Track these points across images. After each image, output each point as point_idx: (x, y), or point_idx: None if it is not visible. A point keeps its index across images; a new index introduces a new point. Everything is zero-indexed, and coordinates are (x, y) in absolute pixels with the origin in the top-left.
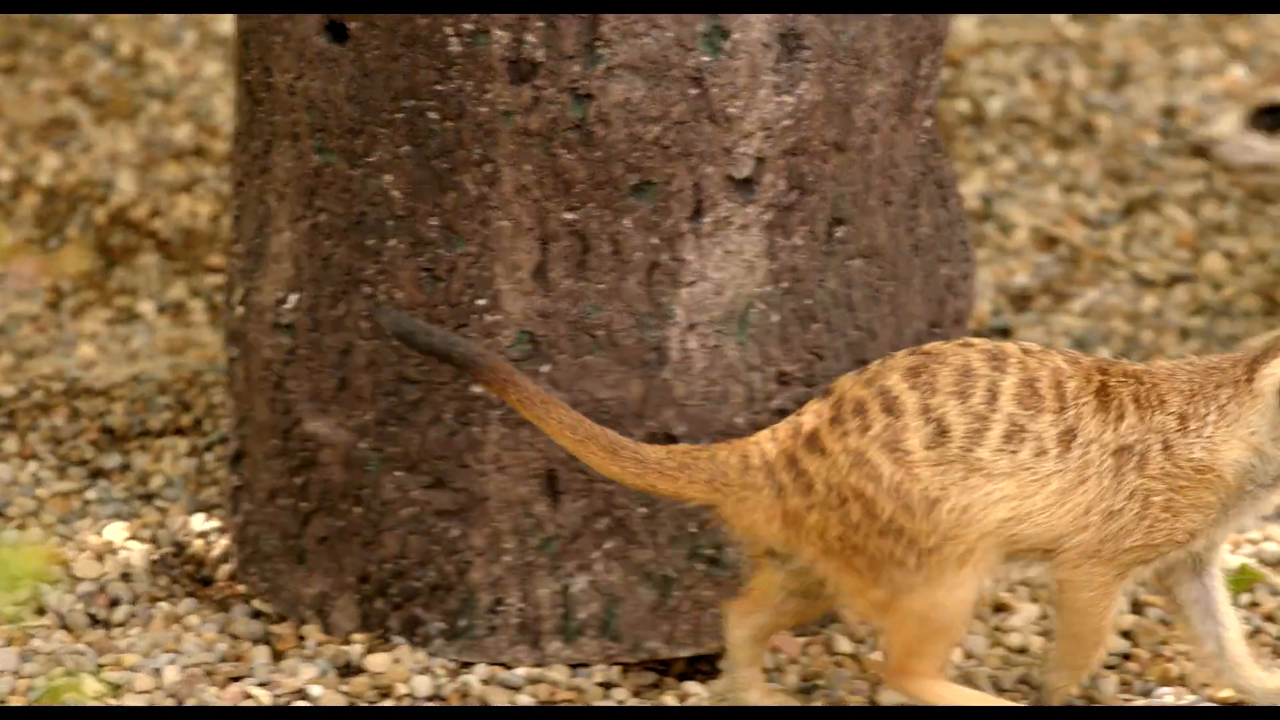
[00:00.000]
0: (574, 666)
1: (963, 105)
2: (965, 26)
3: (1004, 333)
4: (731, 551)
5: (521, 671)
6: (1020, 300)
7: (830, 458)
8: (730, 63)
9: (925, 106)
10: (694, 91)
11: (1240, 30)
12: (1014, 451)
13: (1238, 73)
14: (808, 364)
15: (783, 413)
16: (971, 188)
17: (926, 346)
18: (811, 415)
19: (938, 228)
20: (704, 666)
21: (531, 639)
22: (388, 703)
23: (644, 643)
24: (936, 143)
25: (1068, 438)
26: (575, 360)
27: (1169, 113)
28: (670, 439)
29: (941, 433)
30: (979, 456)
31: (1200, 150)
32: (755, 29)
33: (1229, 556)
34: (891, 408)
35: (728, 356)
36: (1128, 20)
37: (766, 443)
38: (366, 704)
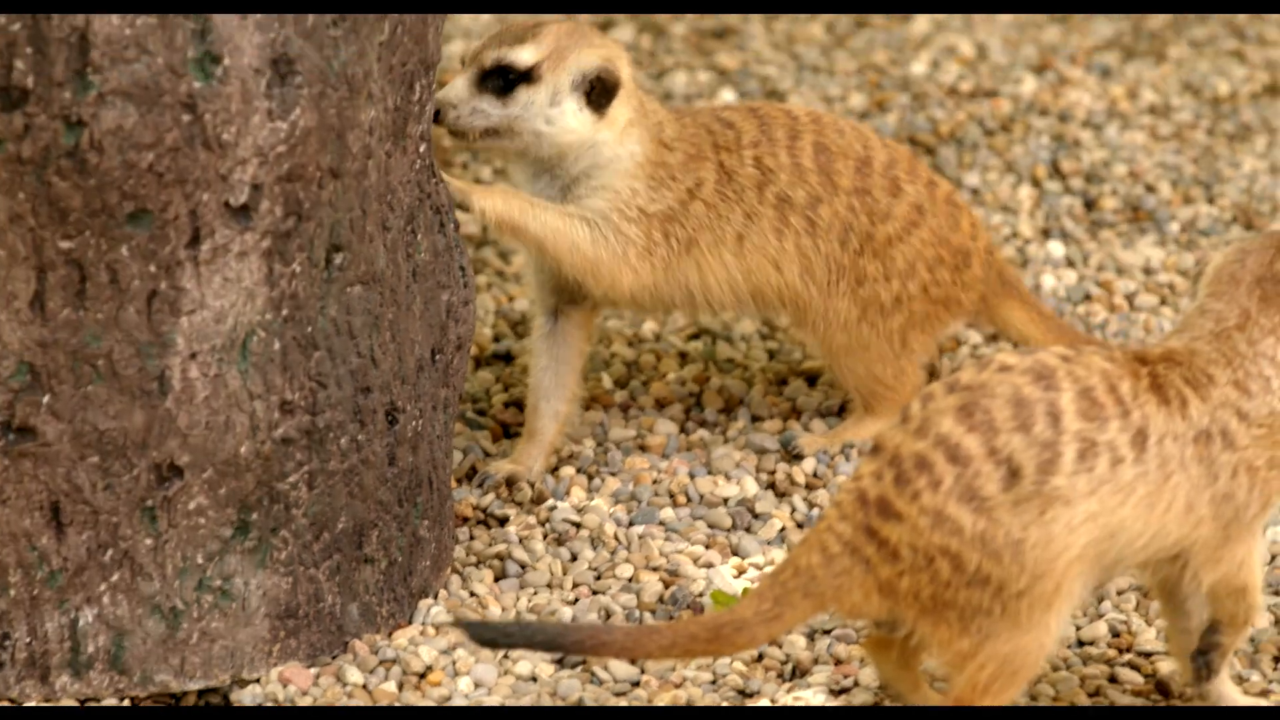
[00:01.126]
0: (83, 702)
1: None
2: (456, 49)
3: (506, 358)
4: (239, 581)
5: (32, 705)
6: (522, 325)
7: (908, 521)
8: (223, 89)
9: (419, 132)
10: (187, 118)
11: (728, 55)
12: (1090, 469)
13: (727, 96)
14: (310, 392)
15: (286, 441)
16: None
17: (963, 379)
18: (871, 479)
19: (436, 253)
20: (214, 699)
21: (40, 673)
22: None
23: (154, 676)
24: (432, 168)
25: (1140, 440)
26: (76, 391)
27: None
28: (175, 469)
29: (1014, 473)
30: (1056, 485)
31: (436, 115)
32: (246, 54)
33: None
34: (957, 456)
35: (230, 385)
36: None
37: (838, 523)
38: None
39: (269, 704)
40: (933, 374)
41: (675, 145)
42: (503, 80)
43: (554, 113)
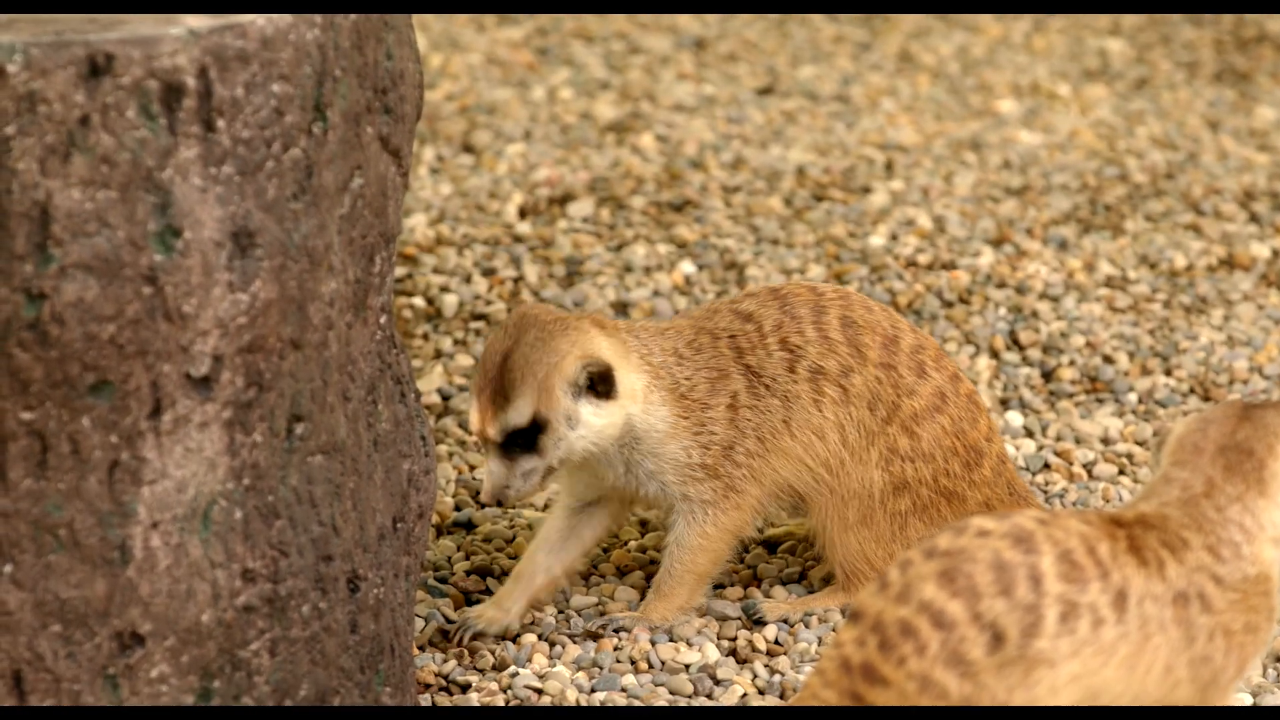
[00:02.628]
0: None
1: (418, 302)
2: (417, 223)
3: (468, 526)
4: None
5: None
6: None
7: (895, 687)
8: (183, 261)
9: (380, 303)
10: (148, 290)
11: (686, 228)
12: (1073, 631)
13: (687, 268)
14: (272, 560)
15: (248, 609)
16: (430, 384)
17: (941, 544)
18: (853, 645)
19: (397, 423)
20: None
21: None
22: None
23: None
24: (393, 339)
25: (1121, 601)
26: (38, 560)
27: (621, 308)
28: (136, 637)
29: (998, 637)
30: (1039, 648)
31: (499, 503)
32: (207, 228)
33: None
34: (941, 622)
35: (192, 554)
36: (577, 219)
37: (822, 690)
38: None
39: None
40: None
41: (696, 379)
42: (522, 439)
43: (581, 432)
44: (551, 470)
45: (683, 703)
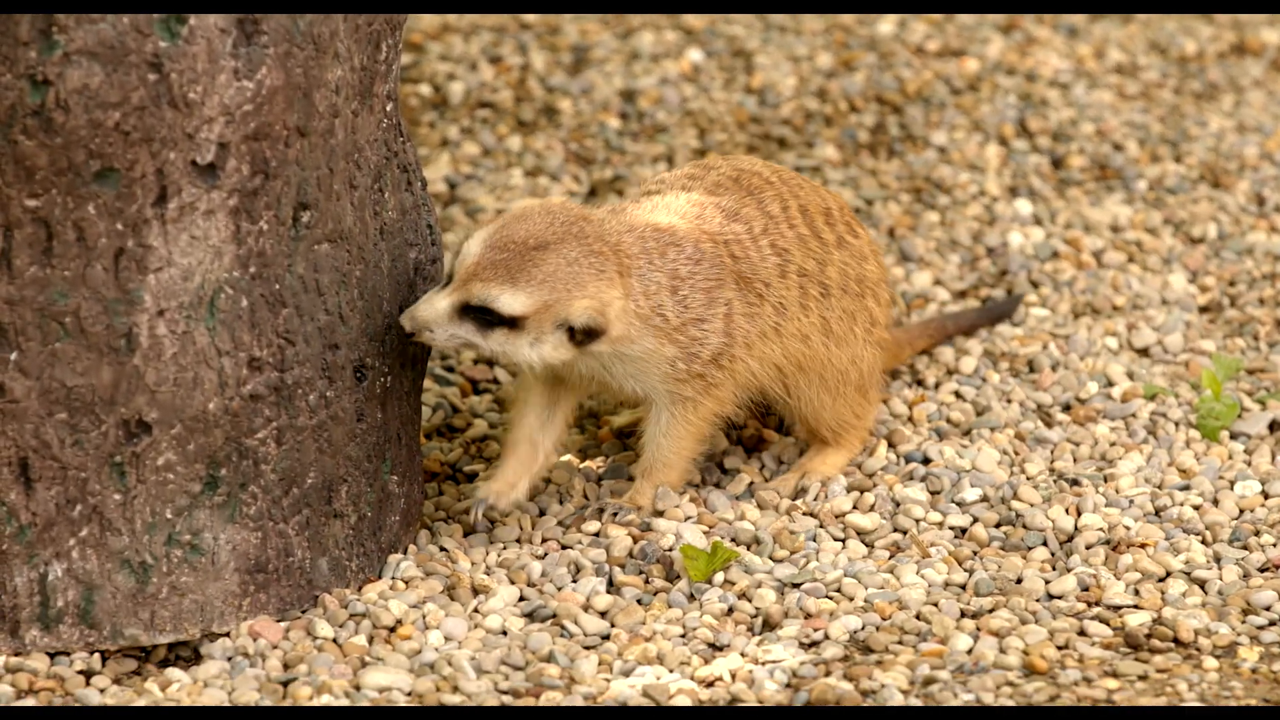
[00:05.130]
0: (53, 655)
1: (425, 90)
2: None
3: None
4: (208, 536)
5: (0, 661)
6: None
7: None
8: (189, 48)
9: (386, 91)
10: (153, 77)
11: (694, 15)
12: None
13: (694, 56)
14: (279, 349)
15: (254, 397)
16: (436, 172)
17: None
18: None
19: (404, 212)
20: (184, 652)
21: (10, 627)
22: None
23: (124, 630)
24: (399, 127)
25: None
26: (44, 348)
27: (628, 96)
28: (143, 425)
29: None
30: None
31: (404, 330)
32: (212, 14)
33: (703, 538)
34: None
35: (198, 342)
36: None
37: None
38: None
39: (239, 657)
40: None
41: (692, 300)
42: (485, 317)
43: (535, 351)
44: (475, 351)
45: (689, 491)
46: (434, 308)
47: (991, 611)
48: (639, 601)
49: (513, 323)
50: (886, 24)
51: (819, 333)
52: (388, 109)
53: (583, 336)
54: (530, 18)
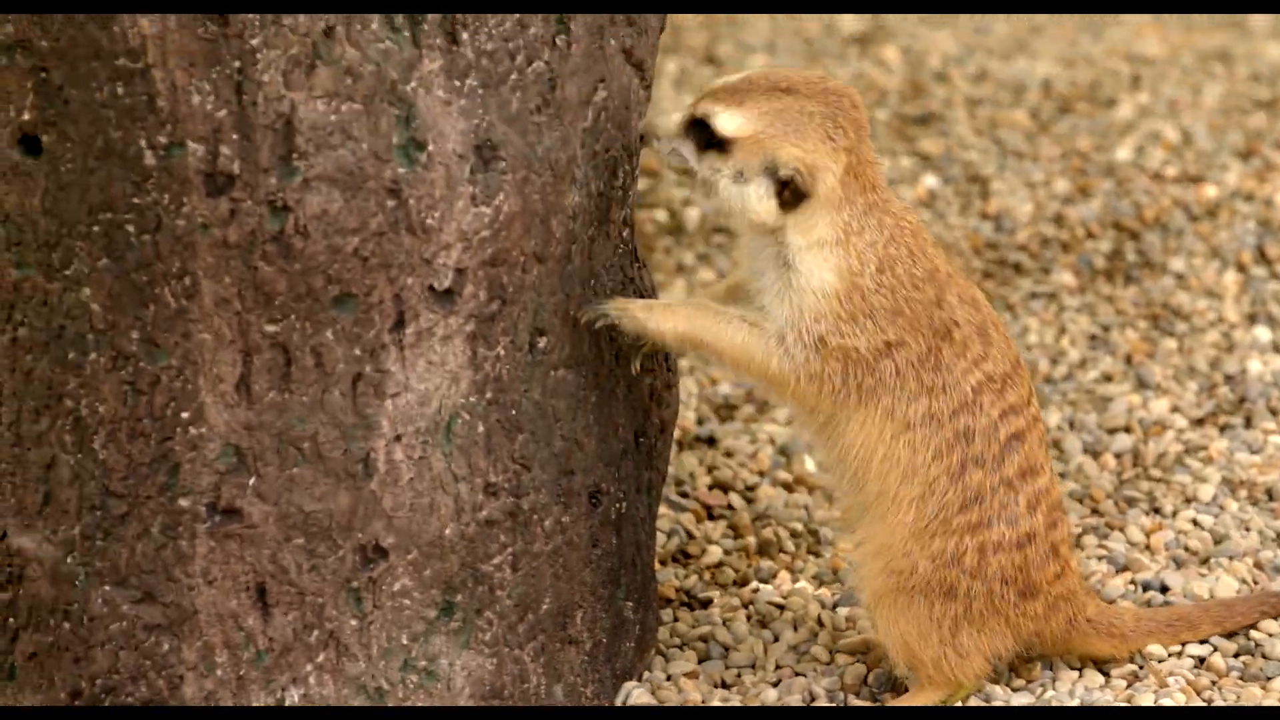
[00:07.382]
0: None
1: (660, 215)
2: None
3: (710, 441)
4: (444, 662)
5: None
6: (725, 409)
7: None
8: (427, 174)
9: (623, 217)
10: (392, 203)
11: (930, 141)
12: None
13: (930, 181)
14: (514, 474)
15: (490, 523)
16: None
17: None
18: None
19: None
20: None
21: None
22: None
23: None
24: (635, 253)
25: None
26: (281, 473)
27: None
28: (380, 550)
29: None
30: None
31: (642, 138)
32: (450, 140)
33: None
34: None
35: (434, 467)
36: None
37: None
38: None
39: None
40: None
41: (884, 284)
42: (704, 135)
43: (737, 190)
44: (691, 178)
45: None
46: (668, 118)
47: None
48: None
49: (722, 145)
50: (1124, 150)
51: (917, 488)
52: (624, 235)
53: (789, 196)
54: None
